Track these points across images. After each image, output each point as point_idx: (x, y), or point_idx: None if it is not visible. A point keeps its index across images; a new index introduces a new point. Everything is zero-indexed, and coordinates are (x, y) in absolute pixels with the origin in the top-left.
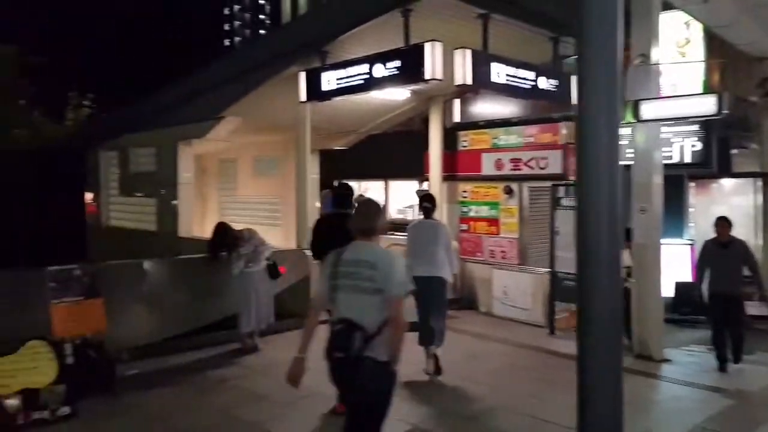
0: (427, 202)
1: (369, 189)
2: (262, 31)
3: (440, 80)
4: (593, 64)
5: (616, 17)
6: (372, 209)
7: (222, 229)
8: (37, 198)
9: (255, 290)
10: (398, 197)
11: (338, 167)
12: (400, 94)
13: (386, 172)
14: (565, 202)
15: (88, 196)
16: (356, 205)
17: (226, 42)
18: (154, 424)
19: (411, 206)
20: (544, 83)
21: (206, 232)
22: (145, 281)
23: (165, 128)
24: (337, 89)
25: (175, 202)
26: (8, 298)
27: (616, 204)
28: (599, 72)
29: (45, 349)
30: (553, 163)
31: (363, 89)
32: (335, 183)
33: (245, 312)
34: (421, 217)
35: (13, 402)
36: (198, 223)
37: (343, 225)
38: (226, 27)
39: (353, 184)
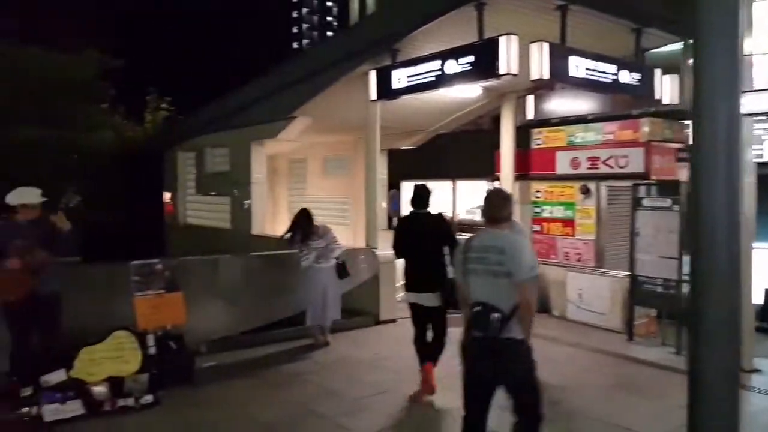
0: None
1: (434, 189)
2: (329, 33)
3: (515, 75)
4: (712, 51)
5: None
6: (501, 198)
7: (305, 213)
8: (122, 197)
9: (324, 286)
10: (466, 198)
11: (404, 167)
12: (471, 91)
13: (453, 172)
14: (646, 202)
15: (166, 196)
16: (486, 194)
17: (295, 45)
18: (234, 415)
19: (479, 207)
20: (626, 77)
21: (277, 231)
22: (222, 277)
23: (238, 129)
24: (408, 87)
25: (248, 201)
26: (96, 290)
27: (736, 203)
28: (718, 61)
29: (129, 339)
30: (634, 161)
31: (434, 86)
32: (414, 184)
33: (311, 307)
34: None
35: (100, 389)
36: (269, 222)
37: (422, 224)
38: (295, 30)
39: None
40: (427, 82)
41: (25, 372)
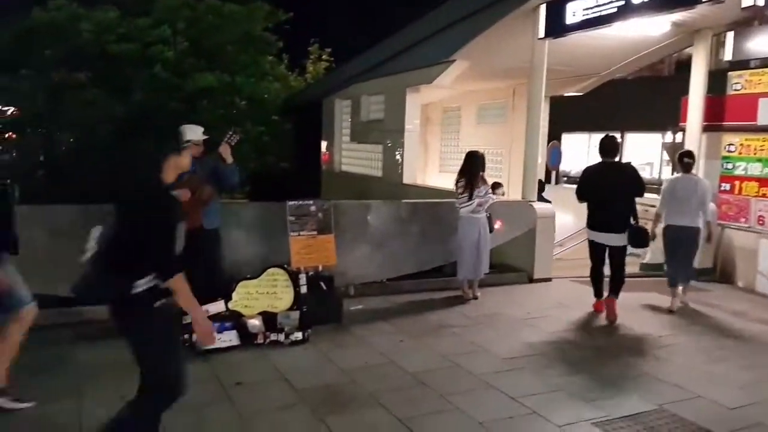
0: (687, 157)
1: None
2: None
3: (721, 2)
4: None
5: None
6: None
7: (475, 157)
8: (285, 143)
9: (478, 238)
10: (635, 152)
11: (566, 117)
12: (658, 26)
13: (622, 124)
14: None
15: (323, 144)
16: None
17: None
18: (380, 361)
19: (650, 163)
20: None
21: (427, 181)
22: (373, 221)
23: (394, 75)
24: (583, 21)
25: (400, 149)
26: (255, 227)
27: None
28: None
29: (283, 277)
30: None
31: (615, 19)
32: (604, 135)
33: (463, 259)
34: (679, 174)
35: (254, 322)
36: (420, 171)
37: (613, 173)
38: None
39: (583, 135)
40: (607, 14)
41: None
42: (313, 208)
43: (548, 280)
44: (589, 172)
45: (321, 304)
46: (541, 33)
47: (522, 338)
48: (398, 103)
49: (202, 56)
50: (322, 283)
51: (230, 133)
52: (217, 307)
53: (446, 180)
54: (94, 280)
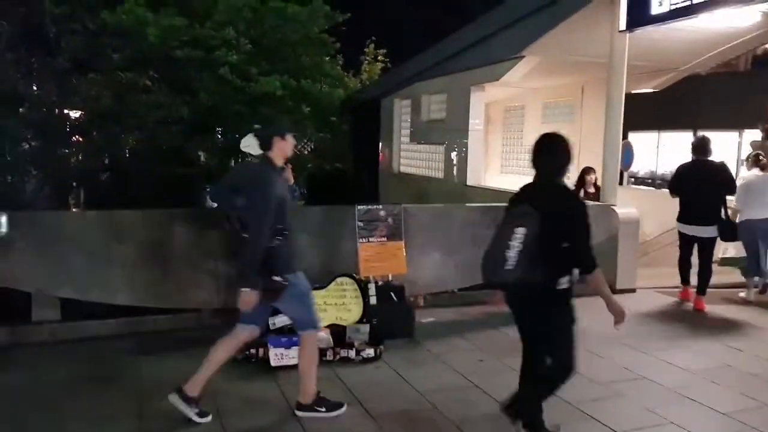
0: (765, 157)
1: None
2: None
3: None
4: None
5: None
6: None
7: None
8: (344, 146)
9: None
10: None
11: (634, 115)
12: (746, 17)
13: (694, 121)
14: None
15: (381, 144)
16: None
17: None
18: (460, 381)
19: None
20: None
21: (488, 182)
22: (443, 226)
23: (457, 73)
24: (671, 11)
25: (464, 149)
26: (317, 233)
27: None
28: None
29: (352, 286)
30: None
31: (706, 9)
32: (698, 135)
33: None
34: (756, 171)
35: (323, 336)
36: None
37: (705, 171)
38: None
39: (652, 134)
40: (699, 3)
41: None
42: (382, 212)
43: (632, 291)
44: (682, 169)
45: (392, 316)
46: (622, 25)
47: (615, 359)
48: (461, 102)
49: (265, 59)
50: (392, 294)
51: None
52: (283, 319)
53: (508, 181)
54: (521, 273)
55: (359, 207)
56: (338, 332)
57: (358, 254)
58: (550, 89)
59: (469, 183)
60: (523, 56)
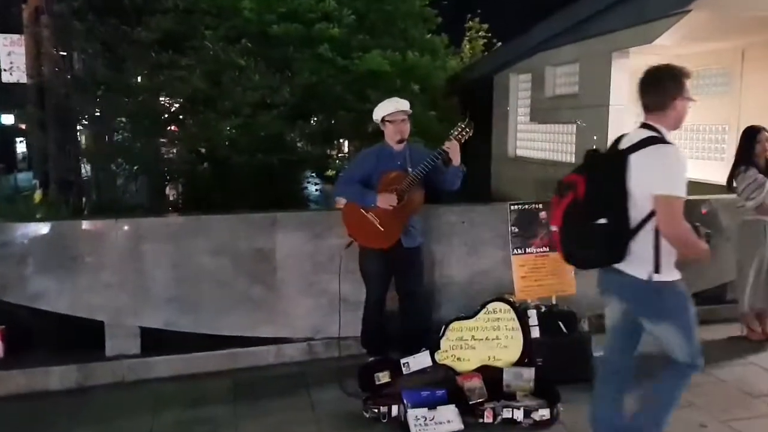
0: None
1: None
2: None
3: None
4: None
5: None
6: None
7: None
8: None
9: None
10: None
11: None
12: None
13: None
14: None
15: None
16: None
17: None
18: None
19: None
20: None
21: None
22: None
23: (594, 38)
24: None
25: (602, 129)
26: (460, 242)
27: None
28: None
29: (508, 315)
30: None
31: None
32: None
33: (748, 281)
34: None
35: (473, 384)
36: None
37: None
38: None
39: None
40: None
41: (376, 345)
42: (542, 214)
43: None
44: None
45: (561, 353)
46: None
47: None
48: (599, 73)
49: (368, 33)
50: (560, 323)
51: (461, 125)
52: (421, 360)
53: None
54: None
55: (512, 206)
56: (493, 378)
57: (512, 270)
58: (698, 55)
59: None
60: (689, 10)
